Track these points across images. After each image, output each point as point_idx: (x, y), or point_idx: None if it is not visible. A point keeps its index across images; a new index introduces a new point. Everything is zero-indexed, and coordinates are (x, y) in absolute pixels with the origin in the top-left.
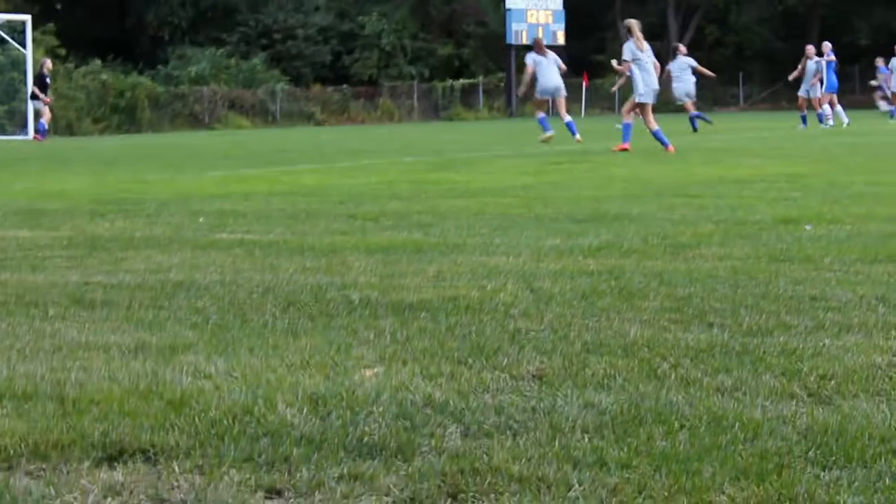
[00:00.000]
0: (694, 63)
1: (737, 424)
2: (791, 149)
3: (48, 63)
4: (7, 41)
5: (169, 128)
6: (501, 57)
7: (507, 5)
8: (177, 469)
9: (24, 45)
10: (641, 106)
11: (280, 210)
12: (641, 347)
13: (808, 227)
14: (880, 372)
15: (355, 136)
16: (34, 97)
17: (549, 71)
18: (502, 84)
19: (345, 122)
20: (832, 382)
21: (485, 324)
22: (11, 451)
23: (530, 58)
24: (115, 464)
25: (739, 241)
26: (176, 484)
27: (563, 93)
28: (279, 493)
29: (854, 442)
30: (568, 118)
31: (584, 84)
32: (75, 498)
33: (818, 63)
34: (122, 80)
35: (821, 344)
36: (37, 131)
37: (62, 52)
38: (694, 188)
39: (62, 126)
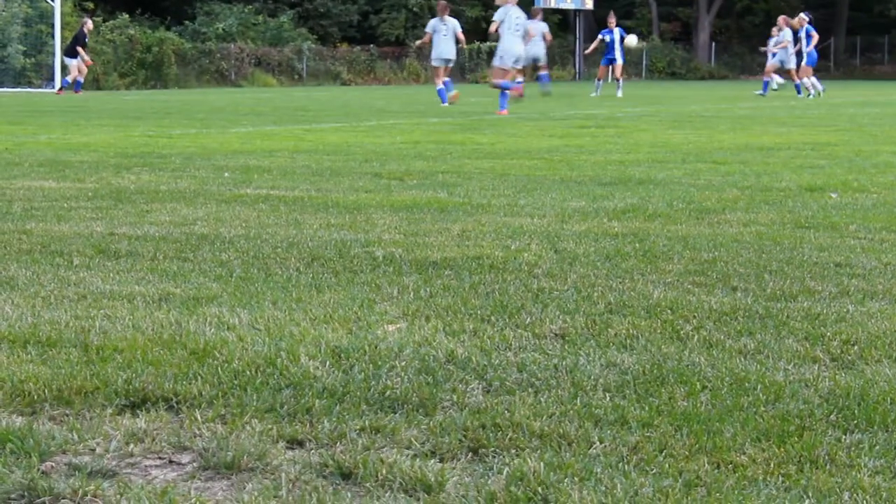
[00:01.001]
0: (546, 29)
1: (759, 387)
2: (817, 117)
3: (89, 23)
4: None
5: (195, 84)
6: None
7: None
8: (199, 418)
9: None
10: (505, 69)
11: (305, 167)
12: (664, 309)
13: (833, 195)
14: None
15: (381, 96)
16: (75, 55)
17: (445, 39)
18: None
19: (371, 82)
20: (855, 347)
21: (508, 283)
22: (35, 396)
23: (430, 24)
24: (138, 411)
25: (765, 207)
26: (198, 432)
27: (451, 63)
28: (301, 444)
29: (876, 406)
30: (440, 86)
31: None
32: (98, 443)
33: (783, 33)
34: (149, 35)
35: (844, 310)
36: (61, 86)
37: (90, 5)
38: (719, 154)
39: (89, 80)
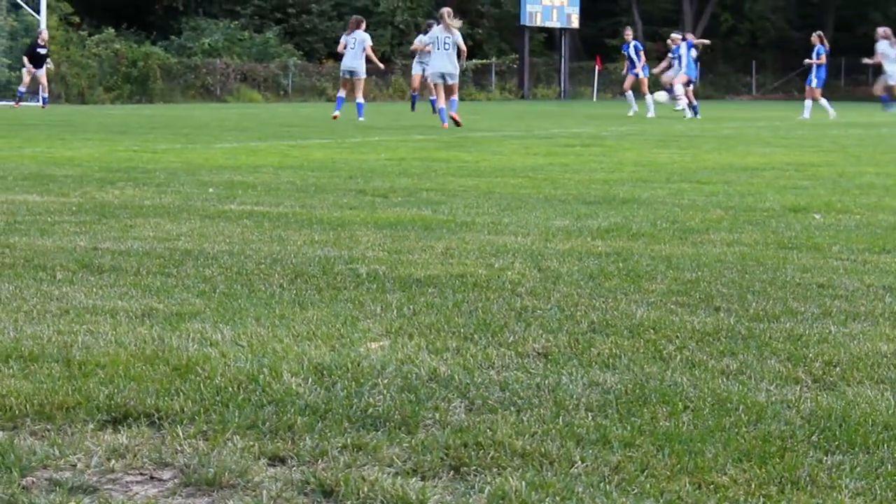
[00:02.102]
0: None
1: (741, 407)
2: (802, 138)
3: (44, 34)
4: (21, 6)
5: (181, 99)
6: (515, 38)
7: None
8: (181, 434)
9: (38, 11)
10: (434, 85)
11: (289, 183)
12: (647, 329)
13: (817, 216)
14: (885, 360)
15: (367, 112)
16: (40, 65)
17: (351, 52)
18: (515, 65)
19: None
20: (837, 369)
21: (492, 301)
22: (17, 411)
23: (343, 37)
24: (120, 427)
25: (748, 227)
26: (180, 448)
27: (360, 76)
28: (282, 461)
29: (857, 428)
30: (360, 100)
31: (596, 67)
32: (79, 459)
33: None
34: (134, 49)
35: (827, 331)
36: (17, 97)
37: (76, 19)
38: (704, 174)
39: (74, 94)
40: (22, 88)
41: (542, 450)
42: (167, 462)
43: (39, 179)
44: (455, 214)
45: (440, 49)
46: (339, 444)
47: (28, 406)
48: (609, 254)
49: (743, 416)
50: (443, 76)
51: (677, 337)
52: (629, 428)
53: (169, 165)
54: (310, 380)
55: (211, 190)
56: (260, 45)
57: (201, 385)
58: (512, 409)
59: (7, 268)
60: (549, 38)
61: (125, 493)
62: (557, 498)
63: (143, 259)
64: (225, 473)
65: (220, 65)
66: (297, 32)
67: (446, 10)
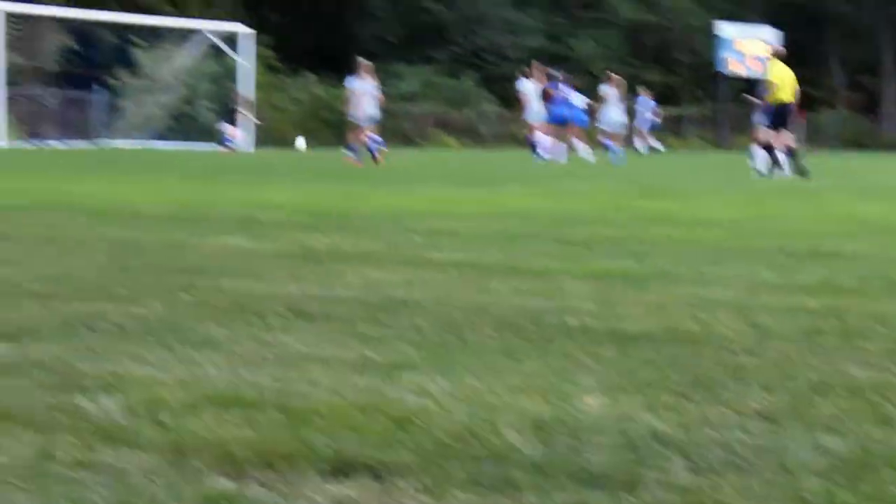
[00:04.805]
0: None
1: None
2: None
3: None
4: (224, 52)
5: None
6: (711, 86)
7: (717, 33)
8: (404, 487)
9: (236, 54)
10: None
11: (490, 231)
12: (868, 390)
13: None
14: None
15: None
16: (233, 122)
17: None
18: (711, 114)
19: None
20: None
21: (705, 357)
22: (242, 459)
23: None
24: (343, 478)
25: None
26: (404, 502)
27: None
28: None
29: None
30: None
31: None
32: None
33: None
34: (333, 93)
35: None
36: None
37: (277, 64)
38: None
39: (275, 137)
40: (230, 138)
41: None
42: None
43: (244, 223)
44: (659, 266)
45: (367, 94)
46: (562, 502)
47: (251, 454)
48: (820, 310)
49: None
50: (372, 119)
51: None
52: (857, 493)
53: (370, 211)
54: (528, 434)
55: (415, 238)
56: (456, 91)
57: (421, 437)
58: (735, 470)
59: (219, 312)
60: (748, 85)
61: None
62: None
63: (353, 306)
64: None
65: (417, 110)
66: (496, 80)
67: (364, 63)
